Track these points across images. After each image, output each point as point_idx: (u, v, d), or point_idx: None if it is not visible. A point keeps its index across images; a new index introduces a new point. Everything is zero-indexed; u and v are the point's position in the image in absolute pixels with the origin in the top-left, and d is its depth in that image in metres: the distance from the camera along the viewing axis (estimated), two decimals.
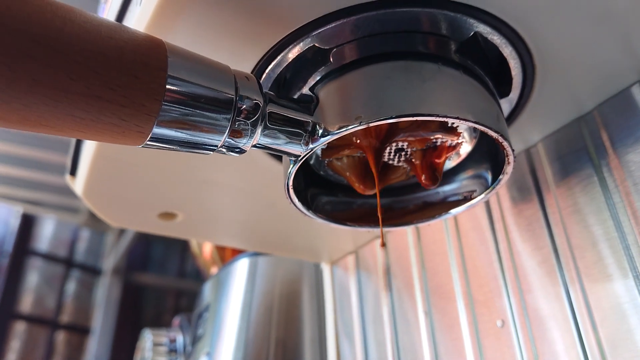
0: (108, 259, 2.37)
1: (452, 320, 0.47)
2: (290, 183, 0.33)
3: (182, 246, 2.45)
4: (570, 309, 0.39)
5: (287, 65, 0.33)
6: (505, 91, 0.36)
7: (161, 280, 2.49)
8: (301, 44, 0.32)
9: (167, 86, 0.25)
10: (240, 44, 0.32)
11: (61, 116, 0.23)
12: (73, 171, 0.44)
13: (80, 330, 2.26)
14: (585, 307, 0.38)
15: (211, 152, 0.28)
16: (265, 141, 0.29)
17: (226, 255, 0.91)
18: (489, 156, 0.37)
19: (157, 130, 0.25)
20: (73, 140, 0.44)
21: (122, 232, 2.28)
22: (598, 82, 0.38)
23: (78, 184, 0.44)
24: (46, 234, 2.38)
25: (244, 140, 0.28)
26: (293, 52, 0.33)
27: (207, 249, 0.94)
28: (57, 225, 2.39)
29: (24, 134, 1.75)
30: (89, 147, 0.40)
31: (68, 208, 2.19)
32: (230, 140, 0.28)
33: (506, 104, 0.38)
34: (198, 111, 0.26)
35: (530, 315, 0.42)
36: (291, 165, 0.32)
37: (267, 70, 0.34)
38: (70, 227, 2.41)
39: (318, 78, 0.32)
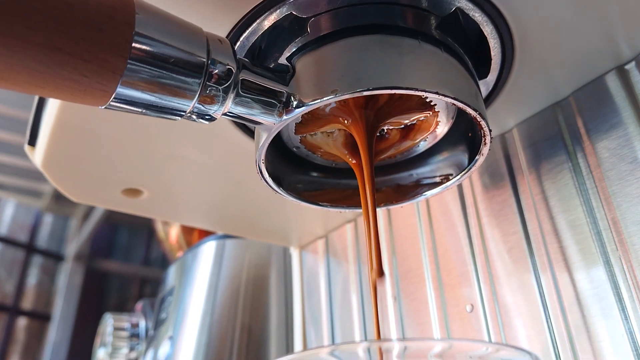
0: (71, 245, 2.31)
1: (421, 305, 0.47)
2: (263, 156, 0.32)
3: (148, 233, 2.41)
4: (539, 295, 0.39)
5: (262, 33, 0.32)
6: (483, 72, 0.36)
7: (126, 268, 2.45)
8: (278, 11, 0.31)
9: (134, 44, 0.23)
10: (214, 9, 0.31)
11: (17, 68, 0.22)
12: (32, 141, 0.42)
13: (40, 317, 2.21)
14: (555, 292, 0.38)
15: (179, 118, 0.27)
16: (237, 110, 0.28)
17: (193, 240, 0.90)
18: (464, 138, 0.37)
19: (122, 90, 0.24)
20: (33, 108, 0.42)
21: (86, 217, 2.23)
22: (575, 68, 0.38)
23: (37, 155, 0.42)
24: (5, 217, 2.31)
25: (215, 107, 0.27)
26: (269, 20, 0.31)
27: (173, 233, 0.92)
28: (17, 209, 2.33)
29: None
30: (50, 114, 0.38)
31: (30, 191, 2.13)
32: (200, 106, 0.26)
33: (483, 87, 0.37)
34: (166, 72, 0.25)
35: (500, 300, 0.41)
36: (263, 137, 0.30)
37: (241, 38, 0.32)
38: (32, 211, 2.34)
39: (295, 49, 0.31)
